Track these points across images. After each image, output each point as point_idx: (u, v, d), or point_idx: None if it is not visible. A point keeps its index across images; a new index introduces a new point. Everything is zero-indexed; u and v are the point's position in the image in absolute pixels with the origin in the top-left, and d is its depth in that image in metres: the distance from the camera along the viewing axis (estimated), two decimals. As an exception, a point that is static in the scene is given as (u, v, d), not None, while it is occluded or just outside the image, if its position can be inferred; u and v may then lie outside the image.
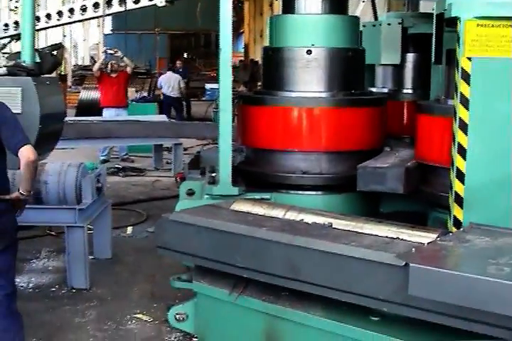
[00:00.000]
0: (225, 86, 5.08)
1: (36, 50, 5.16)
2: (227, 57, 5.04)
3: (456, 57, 4.17)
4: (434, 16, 4.65)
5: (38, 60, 5.12)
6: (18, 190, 4.49)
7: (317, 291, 3.84)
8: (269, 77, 5.56)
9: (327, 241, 3.81)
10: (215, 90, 19.30)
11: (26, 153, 4.32)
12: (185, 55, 37.93)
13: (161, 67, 30.46)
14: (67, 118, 13.13)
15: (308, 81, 5.25)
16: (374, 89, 6.64)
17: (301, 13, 5.34)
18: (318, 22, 5.24)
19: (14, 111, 4.73)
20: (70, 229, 6.16)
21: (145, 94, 19.43)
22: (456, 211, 4.22)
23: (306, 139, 5.19)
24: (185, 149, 13.11)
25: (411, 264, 3.24)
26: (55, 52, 5.49)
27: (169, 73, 20.34)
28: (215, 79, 26.53)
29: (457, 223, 4.21)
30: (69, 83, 29.31)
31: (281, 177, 5.24)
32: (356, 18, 5.50)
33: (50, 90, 5.28)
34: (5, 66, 4.93)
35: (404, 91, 6.54)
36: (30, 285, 6.40)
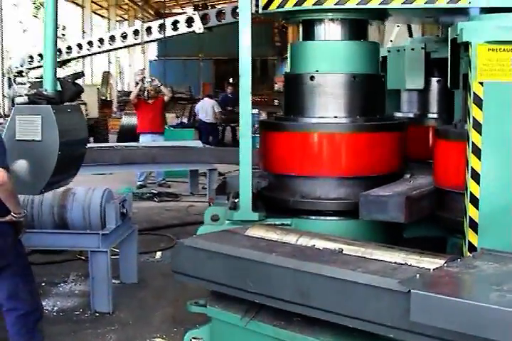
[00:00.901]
0: (244, 112, 5.14)
1: (58, 78, 5.26)
2: (247, 84, 5.10)
3: (469, 81, 4.18)
4: (449, 41, 4.65)
5: (59, 88, 5.23)
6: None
7: (326, 317, 3.82)
8: (289, 103, 5.60)
9: (334, 266, 3.81)
10: (256, 115, 19.41)
11: None
12: (230, 80, 38.22)
13: (206, 92, 30.61)
14: (104, 144, 13.37)
15: (327, 107, 5.26)
16: (400, 114, 6.63)
17: (320, 39, 5.38)
18: (334, 48, 5.27)
19: (35, 139, 4.87)
20: (93, 253, 6.24)
21: (185, 119, 19.63)
22: (471, 236, 4.19)
23: (326, 165, 5.19)
24: (221, 174, 13.16)
25: (412, 290, 3.22)
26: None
27: (206, 99, 20.51)
28: (257, 104, 26.54)
29: (472, 248, 4.18)
30: (114, 109, 29.68)
31: (301, 202, 5.23)
32: (375, 44, 5.52)
33: (71, 118, 5.38)
34: (26, 95, 5.06)
35: (429, 115, 6.52)
36: (55, 308, 6.49)
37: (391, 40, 10.96)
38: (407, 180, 5.10)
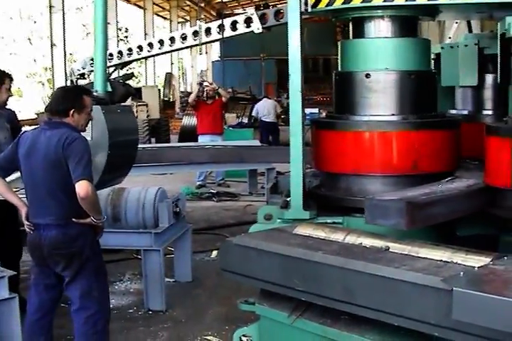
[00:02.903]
0: (295, 111, 5.13)
1: (109, 80, 5.34)
2: (297, 82, 5.10)
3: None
4: (498, 36, 4.57)
5: (110, 89, 5.31)
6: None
7: (371, 315, 3.79)
8: (340, 102, 5.57)
9: (379, 264, 3.78)
10: (314, 114, 19.39)
11: (78, 189, 4.61)
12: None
13: (269, 93, 30.52)
14: (163, 144, 13.49)
15: (378, 104, 5.23)
16: (454, 112, 6.54)
17: (370, 37, 5.35)
18: (385, 45, 5.23)
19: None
20: (146, 252, 6.31)
21: (245, 119, 19.69)
22: (521, 234, 4.13)
23: (377, 163, 5.17)
24: (281, 173, 13.14)
25: (454, 288, 3.19)
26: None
27: (264, 99, 20.57)
28: (320, 103, 26.38)
29: (523, 246, 4.11)
30: (176, 109, 29.98)
31: (353, 200, 5.20)
32: (426, 41, 5.46)
33: (120, 118, 5.46)
34: (77, 95, 5.12)
35: (484, 112, 6.41)
36: (110, 306, 6.54)
37: (450, 37, 10.77)
38: (437, 183, 4.92)
